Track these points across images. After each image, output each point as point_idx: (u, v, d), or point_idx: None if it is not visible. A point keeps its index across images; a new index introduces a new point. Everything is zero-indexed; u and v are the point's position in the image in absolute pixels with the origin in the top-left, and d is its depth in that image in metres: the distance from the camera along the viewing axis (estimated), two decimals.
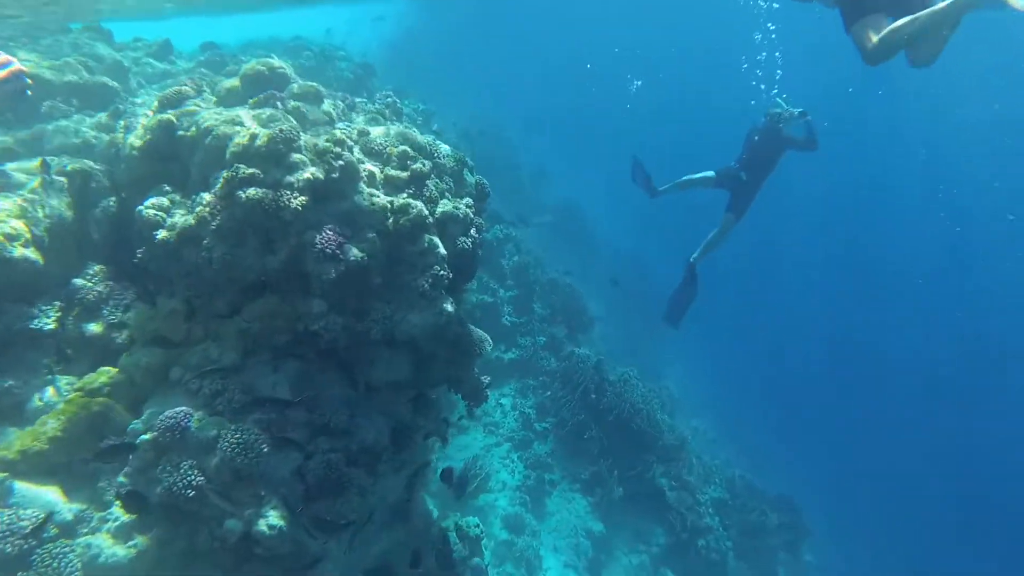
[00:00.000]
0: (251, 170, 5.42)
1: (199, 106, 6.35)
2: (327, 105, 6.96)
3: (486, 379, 7.33)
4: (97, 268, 6.13)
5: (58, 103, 7.70)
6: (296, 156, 5.52)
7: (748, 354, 34.62)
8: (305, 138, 5.82)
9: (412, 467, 6.69)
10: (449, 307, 6.10)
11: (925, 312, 39.56)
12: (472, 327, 7.10)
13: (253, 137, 5.52)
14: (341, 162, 5.75)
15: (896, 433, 32.92)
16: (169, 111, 6.30)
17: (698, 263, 11.04)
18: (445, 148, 7.88)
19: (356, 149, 6.31)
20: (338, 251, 5.52)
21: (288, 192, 5.38)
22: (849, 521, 23.71)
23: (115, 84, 8.38)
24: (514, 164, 26.97)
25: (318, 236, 5.51)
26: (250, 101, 6.48)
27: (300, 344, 5.93)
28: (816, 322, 39.77)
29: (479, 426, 13.87)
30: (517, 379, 15.06)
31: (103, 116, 7.78)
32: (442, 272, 6.03)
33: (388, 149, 6.33)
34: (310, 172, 5.50)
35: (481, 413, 14.03)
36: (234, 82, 6.88)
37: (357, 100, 8.50)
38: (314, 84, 6.99)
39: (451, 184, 7.26)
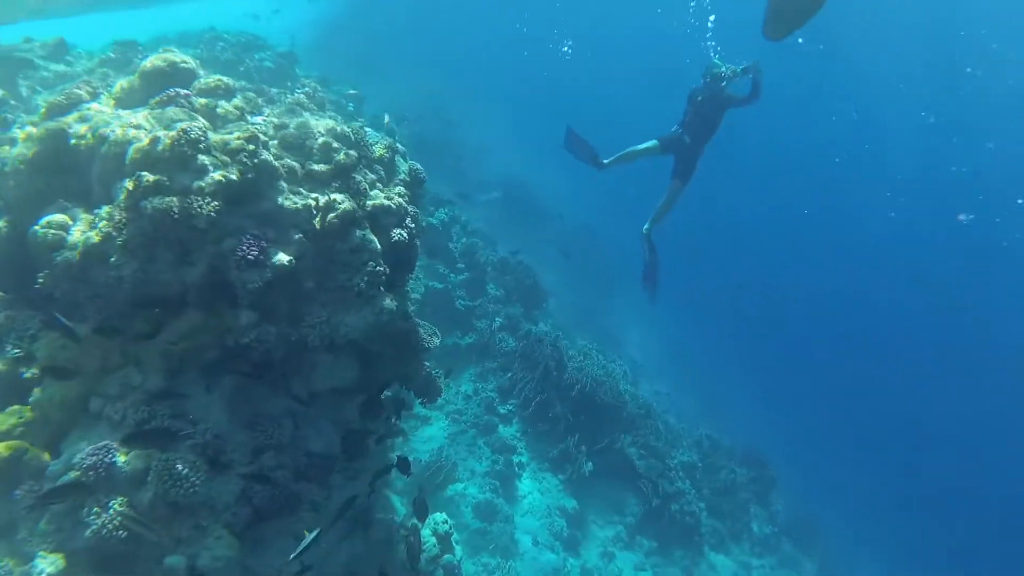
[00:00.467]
0: (155, 177, 4.96)
1: (94, 110, 5.79)
2: (239, 100, 6.46)
3: (441, 372, 7.05)
4: None
5: None
6: (204, 158, 5.07)
7: (702, 310, 35.22)
8: (215, 137, 5.36)
9: (369, 473, 6.39)
10: (389, 303, 5.78)
11: (865, 256, 40.91)
12: (419, 321, 6.79)
13: (155, 141, 5.04)
14: (256, 160, 5.33)
15: (849, 378, 34.17)
16: (59, 118, 5.73)
17: (652, 232, 10.87)
18: (374, 135, 7.49)
19: (273, 144, 5.87)
20: (262, 257, 5.13)
21: (198, 198, 4.94)
22: (812, 462, 24.47)
23: (5, 93, 7.68)
24: (456, 142, 26.45)
25: (238, 243, 5.10)
26: (151, 101, 5.95)
27: (233, 359, 5.53)
28: (763, 273, 40.71)
29: (442, 415, 13.60)
30: (476, 363, 14.79)
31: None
32: (378, 268, 5.69)
33: (309, 142, 5.90)
34: (221, 174, 5.06)
35: (443, 401, 13.75)
36: (132, 81, 6.32)
37: (275, 91, 8.00)
38: (223, 78, 6.47)
39: (382, 173, 6.88)
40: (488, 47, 41.78)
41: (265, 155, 5.36)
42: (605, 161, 10.46)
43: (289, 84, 12.95)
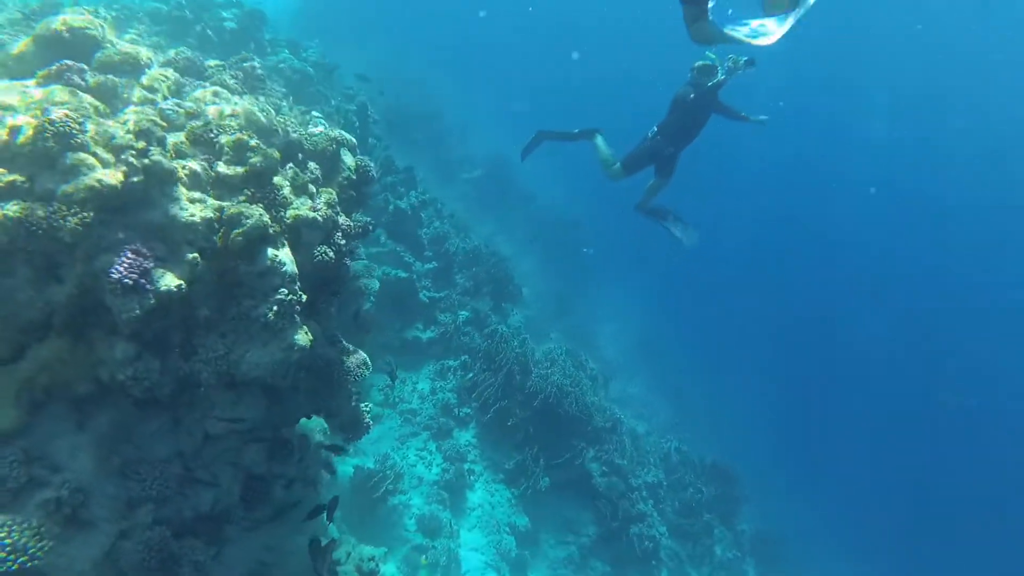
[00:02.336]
0: (11, 177, 4.04)
1: None
2: (152, 76, 5.50)
3: (387, 369, 6.20)
4: None
5: None
6: (76, 156, 4.14)
7: (682, 304, 34.69)
8: (98, 128, 4.42)
9: (273, 521, 5.59)
10: (302, 339, 4.92)
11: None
12: (346, 348, 5.95)
13: (15, 131, 4.11)
14: (146, 160, 4.41)
15: (830, 384, 33.91)
16: None
17: (646, 204, 10.05)
18: (318, 123, 6.56)
19: (177, 139, 4.93)
20: (142, 280, 4.24)
21: (63, 207, 4.04)
22: (789, 473, 24.09)
23: None
24: (439, 116, 25.30)
25: (115, 262, 4.22)
26: (37, 75, 4.98)
27: (110, 393, 4.68)
28: (747, 273, 40.25)
29: (395, 414, 12.84)
30: (436, 360, 14.01)
31: None
32: (290, 297, 4.83)
33: (221, 137, 4.98)
34: (96, 178, 4.14)
35: (397, 399, 13.01)
36: (26, 45, 5.33)
37: (213, 63, 6.99)
38: (134, 49, 5.49)
39: (316, 173, 5.98)
40: (486, 24, 40.34)
41: (157, 154, 4.43)
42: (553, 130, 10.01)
43: (253, 47, 11.87)
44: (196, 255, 4.49)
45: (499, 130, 29.50)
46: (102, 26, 5.53)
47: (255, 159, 4.92)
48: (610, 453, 13.76)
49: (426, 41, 30.41)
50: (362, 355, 6.05)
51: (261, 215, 4.72)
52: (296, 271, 4.94)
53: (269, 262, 4.78)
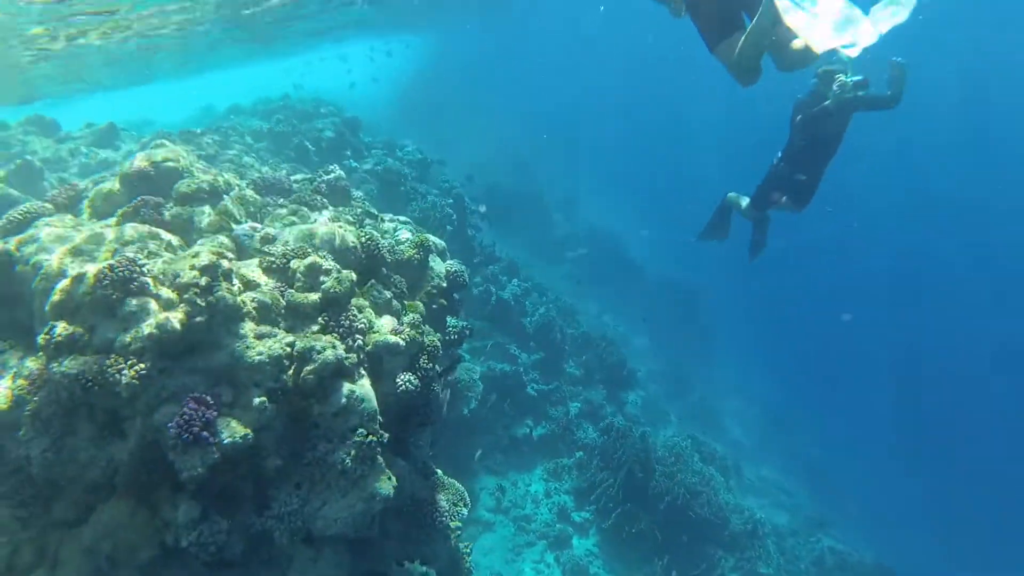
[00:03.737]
0: (72, 328, 3.76)
1: (47, 229, 4.74)
2: (232, 200, 5.29)
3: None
4: None
5: None
6: (135, 302, 3.82)
7: (812, 374, 31.67)
8: (164, 268, 4.13)
9: None
10: (384, 488, 4.26)
11: None
12: (440, 483, 5.25)
13: (78, 280, 3.86)
14: (211, 297, 4.04)
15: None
16: (8, 239, 4.73)
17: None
18: (403, 231, 6.14)
19: (251, 267, 4.59)
20: (205, 433, 3.78)
21: (118, 361, 3.68)
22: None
23: (14, 192, 6.91)
24: (539, 196, 25.17)
25: (175, 414, 3.79)
26: (117, 214, 4.87)
27: (178, 555, 4.18)
28: (883, 335, 36.50)
29: (508, 521, 11.92)
30: (549, 458, 13.05)
31: None
32: (369, 438, 4.21)
33: (293, 263, 4.58)
34: (154, 323, 3.79)
35: (510, 504, 12.11)
36: (112, 185, 5.30)
37: (298, 178, 6.86)
38: (211, 176, 5.33)
39: (402, 287, 5.48)
40: (575, 99, 40.87)
41: (222, 290, 4.05)
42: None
43: (348, 153, 12.10)
44: (264, 399, 4.00)
45: (602, 204, 29.09)
46: (183, 156, 5.44)
47: (329, 283, 4.47)
48: (753, 561, 12.04)
49: (525, 123, 30.87)
50: (458, 489, 5.32)
51: (334, 348, 4.21)
52: (376, 407, 4.34)
53: (345, 399, 4.22)
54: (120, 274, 3.79)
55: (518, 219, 22.98)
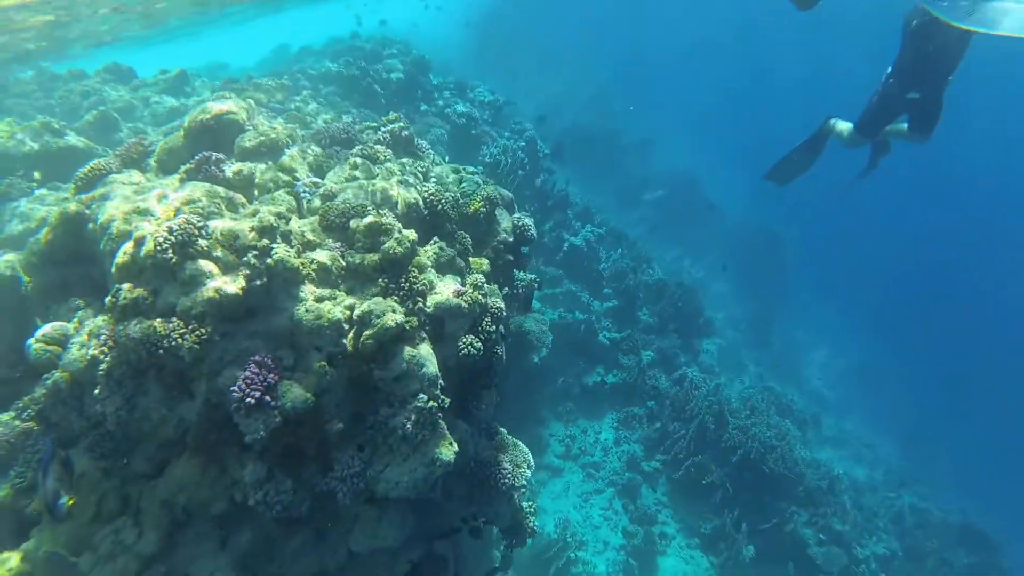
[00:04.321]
0: (136, 292, 3.77)
1: (117, 185, 4.78)
2: (292, 156, 5.17)
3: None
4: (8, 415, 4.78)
5: (17, 179, 6.52)
6: (194, 266, 3.79)
7: (905, 322, 29.89)
8: (224, 228, 4.06)
9: None
10: (445, 453, 4.18)
11: None
12: (504, 442, 5.15)
13: (139, 243, 3.85)
14: (269, 260, 3.97)
15: None
16: (80, 196, 4.80)
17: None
18: (471, 182, 5.91)
19: (312, 224, 4.48)
20: (267, 397, 3.77)
21: (180, 324, 3.67)
22: None
23: (86, 144, 7.05)
24: (615, 135, 24.19)
25: (238, 378, 3.79)
26: (180, 170, 4.84)
27: (249, 509, 4.28)
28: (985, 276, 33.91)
29: (576, 467, 11.95)
30: (620, 408, 12.90)
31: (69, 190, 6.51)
32: (430, 404, 4.11)
33: (352, 222, 4.44)
34: (214, 288, 3.75)
35: (579, 451, 12.11)
36: (175, 140, 5.28)
37: (363, 126, 6.68)
38: (273, 131, 5.21)
39: (466, 243, 5.29)
40: (658, 40, 38.59)
41: (280, 252, 3.96)
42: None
43: (421, 94, 11.82)
44: (324, 363, 3.94)
45: (682, 145, 27.74)
46: (245, 109, 5.33)
47: (389, 244, 4.31)
48: (827, 517, 11.63)
49: (604, 60, 29.51)
50: (522, 450, 5.22)
51: (394, 312, 4.08)
52: (437, 372, 4.23)
53: (406, 364, 4.11)
54: (179, 237, 3.75)
55: (595, 159, 22.27)
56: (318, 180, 4.95)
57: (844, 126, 7.44)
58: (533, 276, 6.82)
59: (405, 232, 4.42)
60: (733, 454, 11.34)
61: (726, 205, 25.35)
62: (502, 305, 4.98)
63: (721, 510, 11.16)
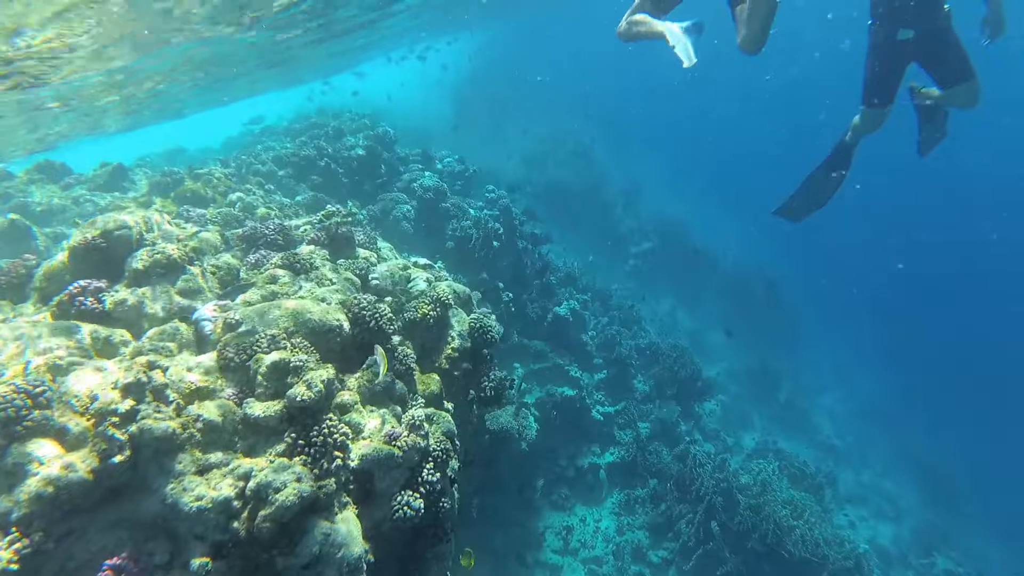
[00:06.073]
0: None
1: None
2: (190, 276, 4.34)
3: None
4: None
5: None
6: (21, 449, 2.89)
7: (912, 358, 28.88)
8: (80, 387, 3.19)
9: None
10: None
11: None
12: None
13: None
14: (134, 428, 3.08)
15: None
16: None
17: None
18: (419, 284, 5.09)
19: (198, 371, 3.61)
20: None
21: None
22: None
23: None
24: (598, 188, 23.68)
25: None
26: (51, 303, 4.00)
27: None
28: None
29: (576, 563, 10.82)
30: (620, 488, 11.86)
31: None
32: None
33: (254, 362, 3.58)
34: (45, 477, 2.84)
35: (578, 544, 11.00)
36: (60, 262, 4.45)
37: (299, 224, 5.90)
38: (172, 248, 4.39)
39: (409, 361, 4.43)
40: (635, 88, 38.79)
41: (148, 419, 3.08)
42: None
43: (381, 170, 11.16)
44: (205, 561, 3.01)
45: (667, 194, 27.26)
46: (143, 220, 4.54)
47: (297, 390, 3.44)
48: None
49: (584, 113, 29.32)
50: None
51: (299, 481, 3.18)
52: (360, 552, 3.29)
53: (318, 547, 3.19)
54: (5, 412, 2.87)
55: (579, 215, 21.71)
56: (225, 303, 4.12)
57: (855, 118, 5.97)
58: (504, 375, 5.94)
59: (318, 372, 3.55)
60: (748, 539, 10.26)
61: (717, 251, 24.72)
62: (449, 446, 4.07)
63: None
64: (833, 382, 23.28)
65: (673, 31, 3.63)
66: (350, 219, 5.55)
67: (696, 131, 37.11)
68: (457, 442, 4.47)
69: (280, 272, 4.45)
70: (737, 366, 20.58)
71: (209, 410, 3.33)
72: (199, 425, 3.27)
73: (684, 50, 3.53)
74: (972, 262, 34.92)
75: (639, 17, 4.00)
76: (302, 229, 5.70)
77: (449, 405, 4.82)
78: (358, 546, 3.28)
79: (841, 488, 16.48)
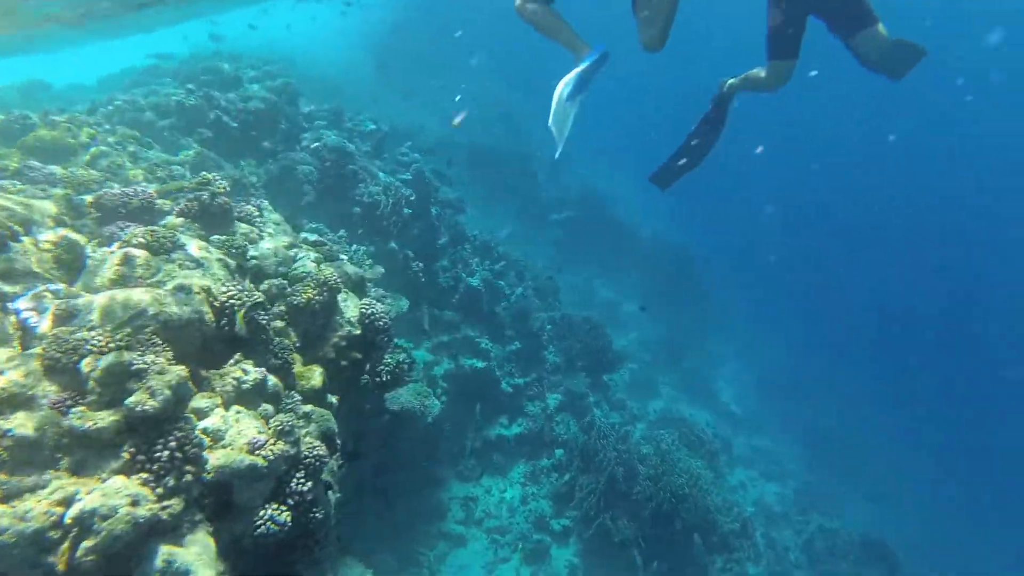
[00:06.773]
0: None
1: None
2: (14, 256, 3.74)
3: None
4: None
5: None
6: None
7: (812, 331, 30.68)
8: None
9: None
10: None
11: None
12: None
13: None
14: None
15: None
16: None
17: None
18: (306, 264, 4.66)
19: (16, 374, 3.09)
20: None
21: None
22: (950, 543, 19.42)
23: None
24: (525, 155, 23.31)
25: None
26: None
27: None
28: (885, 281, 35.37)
29: (481, 532, 10.83)
30: (526, 460, 11.92)
31: None
32: None
33: (87, 363, 3.10)
34: None
35: (483, 514, 11.01)
36: None
37: (176, 189, 5.28)
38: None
39: (284, 356, 4.04)
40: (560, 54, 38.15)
41: None
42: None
43: (282, 126, 10.40)
44: None
45: (591, 164, 27.21)
46: None
47: (138, 397, 3.00)
48: (742, 563, 11.16)
49: (511, 73, 28.57)
50: None
51: (135, 504, 2.78)
52: (214, 574, 2.95)
53: (158, 575, 2.82)
54: None
55: (499, 182, 21.33)
56: (58, 287, 3.57)
57: (752, 70, 5.19)
58: (402, 357, 5.63)
59: (166, 376, 3.11)
60: (645, 507, 10.55)
61: (642, 224, 25.05)
62: (325, 450, 3.74)
63: (635, 569, 10.35)
64: (737, 351, 24.31)
65: (558, 94, 3.61)
66: (227, 188, 4.99)
67: (621, 101, 37.04)
68: (338, 441, 4.15)
69: (135, 252, 3.91)
70: (649, 335, 21.10)
71: (22, 422, 2.85)
72: (7, 442, 2.79)
73: (560, 122, 3.59)
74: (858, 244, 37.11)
75: (533, 7, 3.94)
76: (172, 197, 5.11)
77: (334, 399, 4.48)
78: (209, 569, 2.94)
79: (736, 451, 17.32)
